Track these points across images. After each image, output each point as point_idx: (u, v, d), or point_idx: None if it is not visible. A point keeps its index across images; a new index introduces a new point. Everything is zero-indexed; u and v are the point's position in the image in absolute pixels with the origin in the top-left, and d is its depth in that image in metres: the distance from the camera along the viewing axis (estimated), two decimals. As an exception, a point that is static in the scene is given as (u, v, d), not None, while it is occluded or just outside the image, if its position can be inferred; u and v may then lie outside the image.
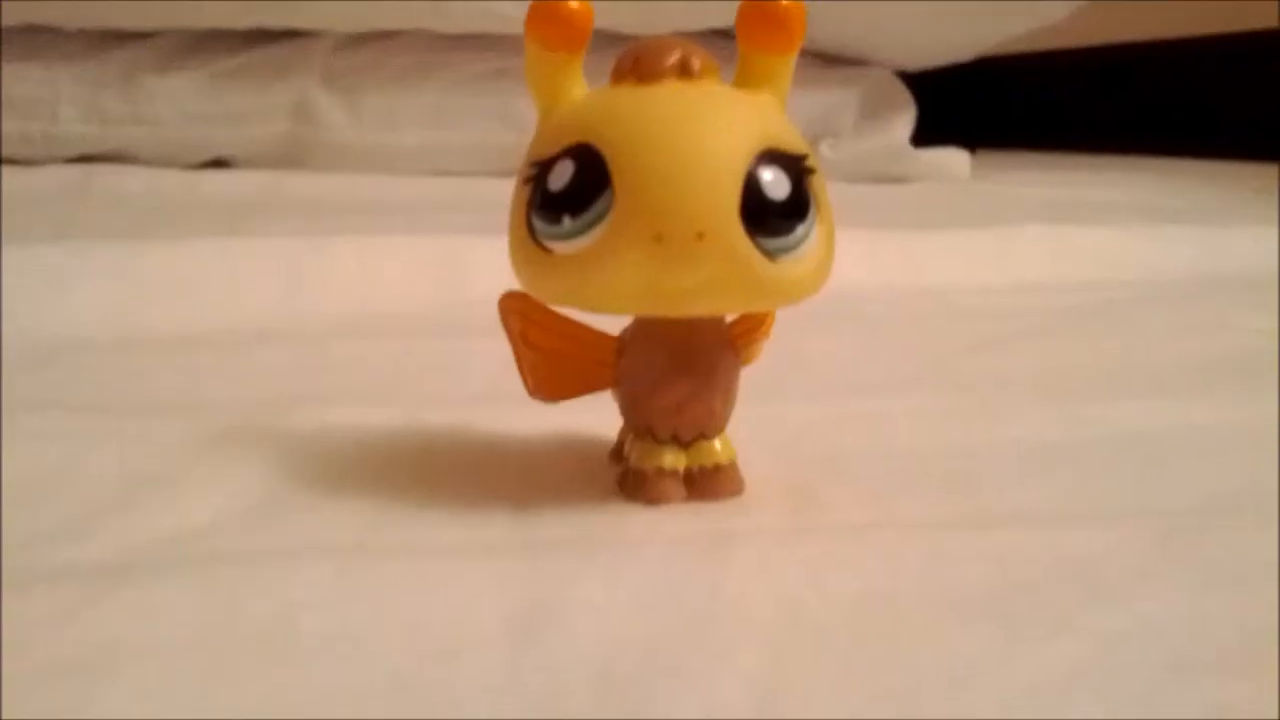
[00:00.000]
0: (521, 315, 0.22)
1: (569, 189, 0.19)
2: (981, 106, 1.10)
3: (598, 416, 0.24)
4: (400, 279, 0.42)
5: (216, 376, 0.33)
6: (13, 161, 0.67)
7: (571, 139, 0.20)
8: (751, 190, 0.19)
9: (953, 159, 0.83)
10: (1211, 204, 0.69)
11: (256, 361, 0.35)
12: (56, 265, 0.40)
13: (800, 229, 0.20)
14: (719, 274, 0.19)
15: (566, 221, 0.19)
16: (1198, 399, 0.31)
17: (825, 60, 0.83)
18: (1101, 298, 0.45)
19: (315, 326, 0.38)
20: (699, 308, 0.20)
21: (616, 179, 0.19)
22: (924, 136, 0.84)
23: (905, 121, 0.84)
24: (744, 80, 0.21)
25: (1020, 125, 1.12)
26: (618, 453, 0.24)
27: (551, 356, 0.23)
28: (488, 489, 0.23)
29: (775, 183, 0.19)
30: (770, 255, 0.19)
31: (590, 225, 0.19)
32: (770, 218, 0.19)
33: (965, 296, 0.46)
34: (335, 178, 0.69)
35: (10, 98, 0.69)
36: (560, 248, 0.20)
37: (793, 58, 0.21)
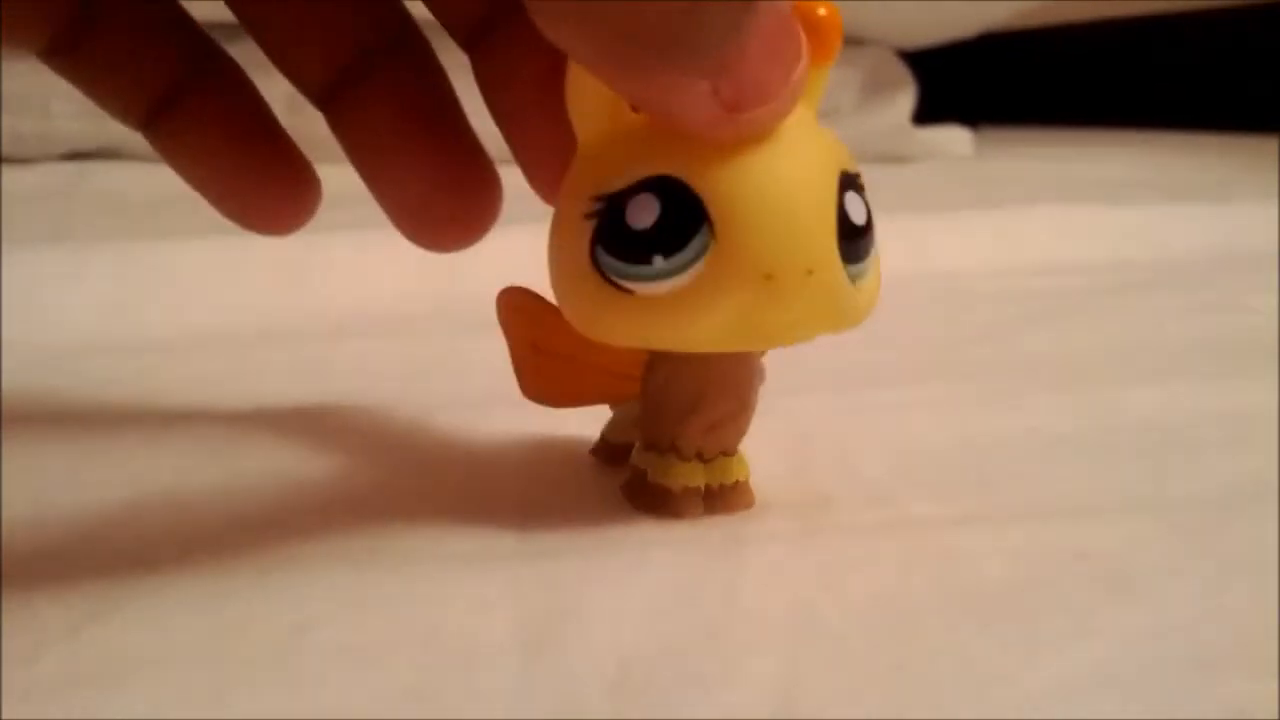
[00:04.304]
0: (530, 317, 0.22)
1: (658, 227, 0.18)
2: (983, 82, 1.09)
3: (588, 416, 0.24)
4: (402, 274, 0.42)
5: (218, 380, 0.33)
6: (6, 160, 0.67)
7: (646, 170, 0.18)
8: (842, 218, 0.18)
9: (953, 137, 0.82)
10: (1221, 179, 0.68)
11: (258, 363, 0.35)
12: (54, 268, 0.40)
13: (873, 250, 0.19)
14: (815, 307, 0.18)
15: (658, 262, 0.18)
16: (1214, 383, 0.30)
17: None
18: (1113, 279, 0.45)
19: (317, 326, 0.38)
20: (788, 340, 0.19)
21: (716, 214, 0.18)
22: (926, 114, 0.84)
23: (906, 100, 0.83)
24: None
25: (1023, 101, 1.11)
26: (608, 453, 0.24)
27: (566, 362, 0.22)
28: (496, 494, 0.23)
29: (858, 208, 0.19)
30: (853, 280, 0.19)
31: (686, 265, 0.18)
32: (856, 243, 0.19)
33: (972, 280, 0.45)
34: (331, 170, 0.68)
35: (2, 95, 0.68)
36: (645, 289, 0.18)
37: (829, 68, 0.19)
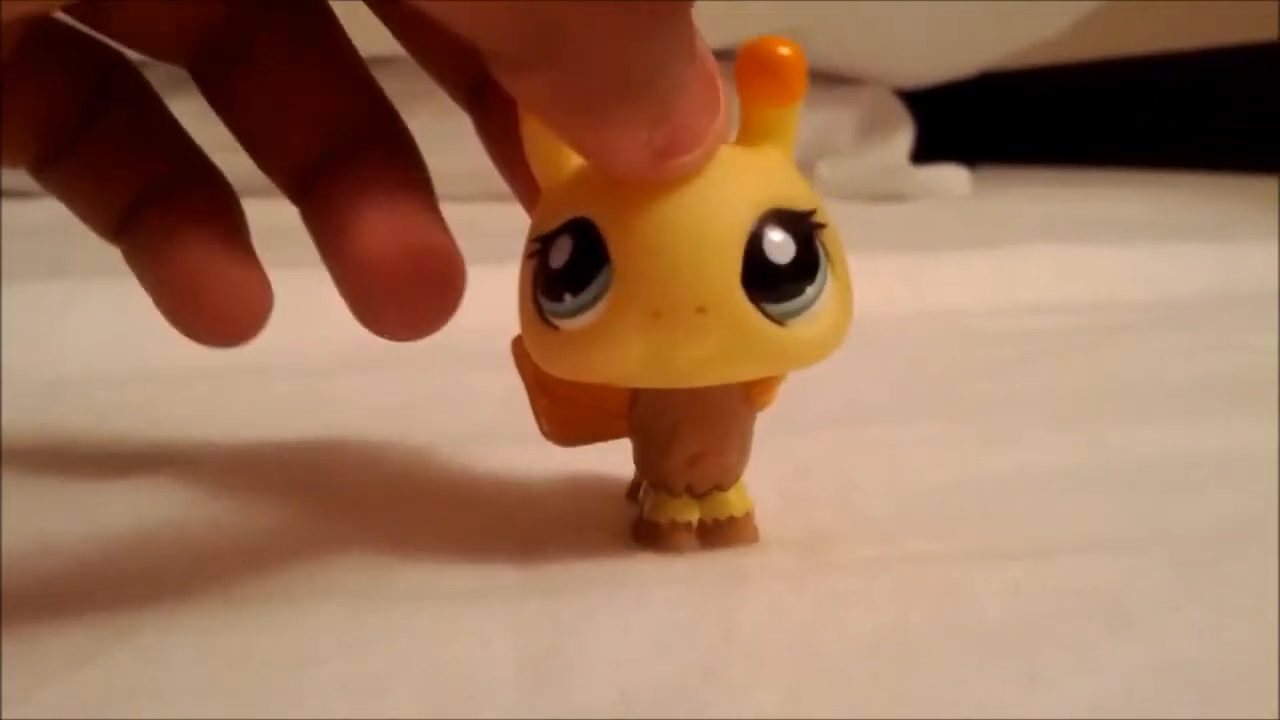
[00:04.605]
0: (531, 360, 0.22)
1: (568, 266, 0.19)
2: (981, 121, 1.10)
3: (609, 454, 0.24)
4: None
5: (219, 413, 0.33)
6: (7, 193, 0.67)
7: (570, 213, 0.19)
8: (755, 255, 0.18)
9: (951, 176, 0.83)
10: (1220, 219, 0.69)
11: (258, 396, 0.35)
12: (55, 301, 0.40)
13: (810, 290, 0.19)
14: (725, 345, 0.18)
15: (568, 299, 0.19)
16: (1213, 422, 0.30)
17: (822, 79, 0.83)
18: (1111, 319, 0.45)
19: (317, 359, 0.38)
20: (707, 379, 0.20)
21: (614, 254, 0.18)
22: (924, 153, 0.84)
23: (904, 139, 0.84)
24: (747, 136, 0.20)
25: (1021, 140, 1.12)
26: (634, 492, 0.24)
27: (568, 403, 0.22)
28: (498, 529, 0.23)
29: (780, 245, 0.19)
30: (779, 320, 0.19)
31: (591, 303, 0.19)
32: (776, 282, 0.19)
33: (970, 319, 0.45)
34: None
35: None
36: (564, 325, 0.19)
37: (797, 108, 0.20)
